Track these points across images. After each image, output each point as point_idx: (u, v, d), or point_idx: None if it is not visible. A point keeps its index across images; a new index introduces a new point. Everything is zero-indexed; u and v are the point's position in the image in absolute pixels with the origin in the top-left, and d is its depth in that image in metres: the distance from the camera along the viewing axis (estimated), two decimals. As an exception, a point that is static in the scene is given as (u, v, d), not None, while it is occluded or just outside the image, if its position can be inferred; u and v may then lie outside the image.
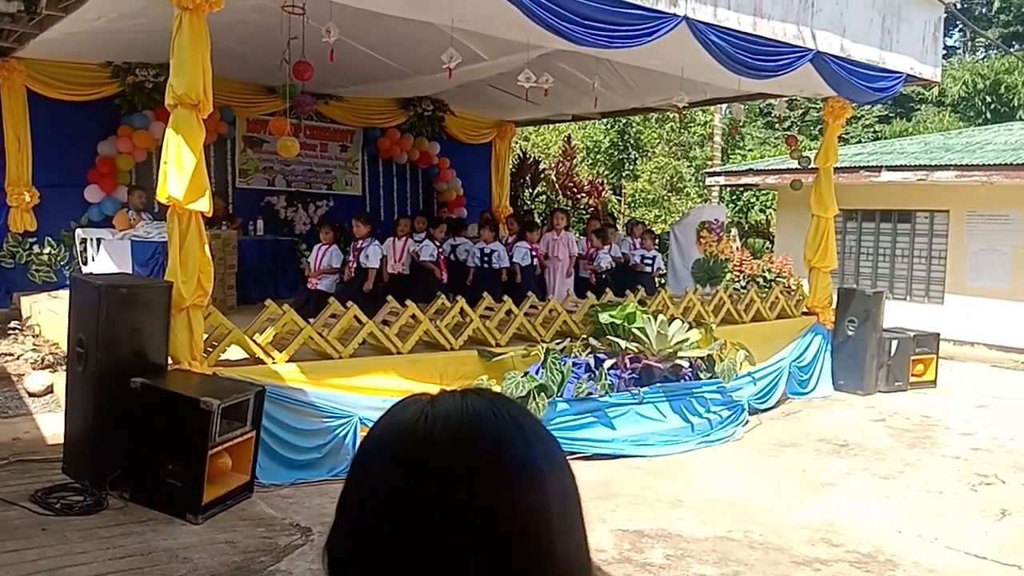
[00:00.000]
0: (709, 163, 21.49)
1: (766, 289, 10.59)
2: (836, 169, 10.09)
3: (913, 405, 8.77)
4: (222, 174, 11.10)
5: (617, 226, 12.84)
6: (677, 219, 15.86)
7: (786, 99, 10.39)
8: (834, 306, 9.73)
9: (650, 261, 10.74)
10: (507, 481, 0.67)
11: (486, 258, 9.29)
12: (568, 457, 0.75)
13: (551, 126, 20.76)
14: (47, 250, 9.53)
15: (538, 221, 11.68)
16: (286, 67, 7.09)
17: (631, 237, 11.21)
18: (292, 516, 4.90)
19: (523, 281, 9.23)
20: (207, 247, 5.56)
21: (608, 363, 6.95)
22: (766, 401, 8.33)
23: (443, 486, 0.66)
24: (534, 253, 9.60)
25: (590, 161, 23.42)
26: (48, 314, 8.14)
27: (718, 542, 4.81)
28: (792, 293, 9.95)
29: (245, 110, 10.95)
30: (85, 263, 8.83)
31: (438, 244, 9.51)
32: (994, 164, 11.96)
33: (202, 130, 5.43)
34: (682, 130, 23.72)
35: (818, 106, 11.34)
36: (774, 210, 18.83)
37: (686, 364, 7.39)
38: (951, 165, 12.40)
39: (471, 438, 0.68)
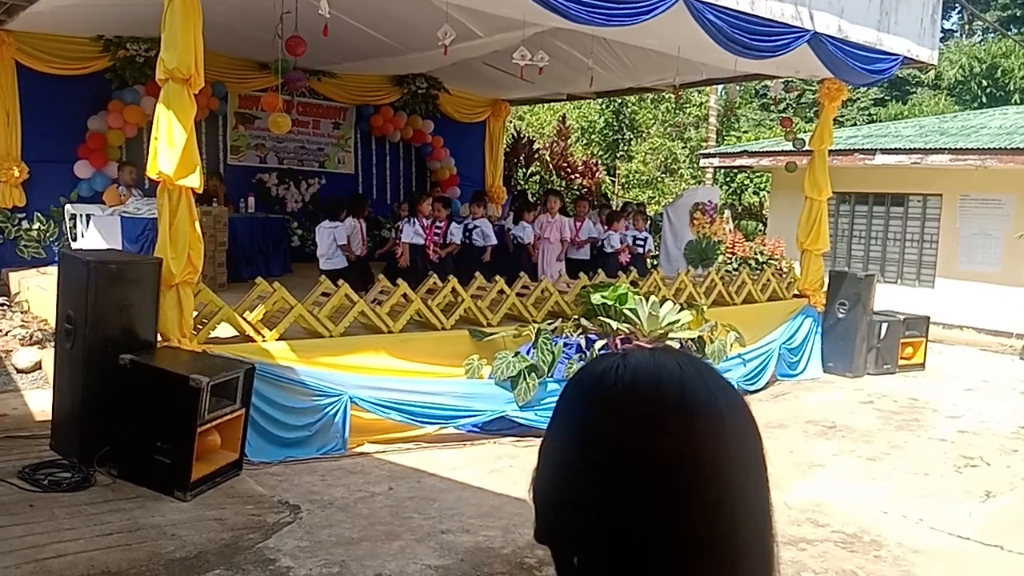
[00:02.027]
0: (704, 144, 21.44)
1: (758, 271, 10.61)
2: (830, 152, 10.08)
3: (901, 388, 8.82)
4: (213, 150, 11.02)
5: (612, 206, 12.75)
6: (671, 200, 15.84)
7: (782, 80, 10.34)
8: (825, 289, 9.76)
9: (642, 242, 10.72)
10: (689, 421, 0.73)
11: (467, 234, 9.22)
12: None
13: (546, 105, 20.68)
14: (36, 226, 9.47)
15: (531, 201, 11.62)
16: (279, 42, 7.02)
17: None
18: (281, 494, 4.92)
19: (515, 259, 9.21)
20: (197, 224, 5.53)
21: (599, 343, 6.96)
22: (755, 383, 8.37)
23: (632, 424, 0.73)
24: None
25: (585, 141, 23.34)
26: (37, 290, 8.09)
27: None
28: (784, 275, 9.97)
29: (237, 86, 10.85)
30: (74, 239, 8.77)
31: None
32: (988, 148, 11.96)
33: (193, 105, 5.39)
34: (677, 111, 23.64)
35: (814, 88, 11.31)
36: (767, 192, 18.84)
37: (677, 345, 7.40)
38: (945, 149, 12.40)
39: (657, 383, 0.75)
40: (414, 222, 8.56)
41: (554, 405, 0.81)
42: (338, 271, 7.90)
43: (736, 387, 0.80)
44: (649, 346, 0.77)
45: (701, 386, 0.75)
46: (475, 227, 9.23)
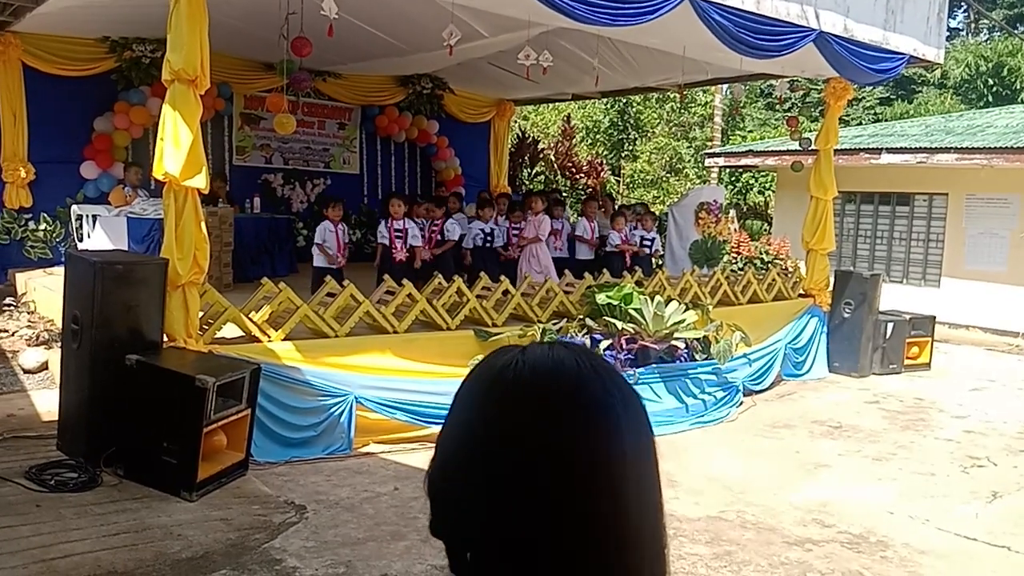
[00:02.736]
0: (709, 144, 21.40)
1: (763, 271, 10.59)
2: (836, 151, 10.06)
3: (907, 388, 8.80)
4: (219, 151, 11.05)
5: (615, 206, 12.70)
6: (676, 200, 15.82)
7: (787, 80, 10.33)
8: (831, 288, 9.74)
9: (649, 243, 10.71)
10: (584, 419, 0.74)
11: (488, 237, 9.24)
12: None
13: (551, 105, 20.68)
14: (43, 226, 9.50)
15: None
16: (284, 43, 7.03)
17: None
18: (287, 494, 4.92)
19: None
20: (203, 224, 5.54)
21: (604, 344, 6.95)
22: (761, 383, 8.36)
23: (528, 420, 0.74)
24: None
25: (589, 141, 23.33)
26: (43, 291, 8.12)
27: (711, 522, 4.84)
28: (789, 275, 9.94)
29: (243, 87, 10.87)
30: (81, 240, 8.80)
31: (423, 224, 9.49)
32: (994, 147, 11.92)
33: (199, 106, 5.39)
34: (682, 110, 23.61)
35: (819, 87, 11.29)
36: (773, 192, 18.79)
37: (682, 345, 7.39)
38: (951, 148, 12.36)
39: (554, 380, 0.75)
40: (383, 223, 8.46)
41: (453, 397, 0.80)
42: (324, 269, 7.93)
43: (630, 385, 0.79)
44: (549, 342, 0.78)
45: (597, 383, 0.76)
46: (492, 230, 9.26)
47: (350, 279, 6.43)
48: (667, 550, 0.79)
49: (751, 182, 21.81)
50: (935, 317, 9.97)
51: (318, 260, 8.32)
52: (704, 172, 21.53)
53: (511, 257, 9.36)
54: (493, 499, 0.73)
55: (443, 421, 0.80)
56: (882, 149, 13.07)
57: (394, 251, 8.29)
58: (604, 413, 0.75)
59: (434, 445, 0.80)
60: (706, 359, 7.53)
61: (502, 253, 9.41)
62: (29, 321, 7.85)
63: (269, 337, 5.79)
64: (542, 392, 0.75)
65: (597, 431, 0.74)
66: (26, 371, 6.82)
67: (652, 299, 7.41)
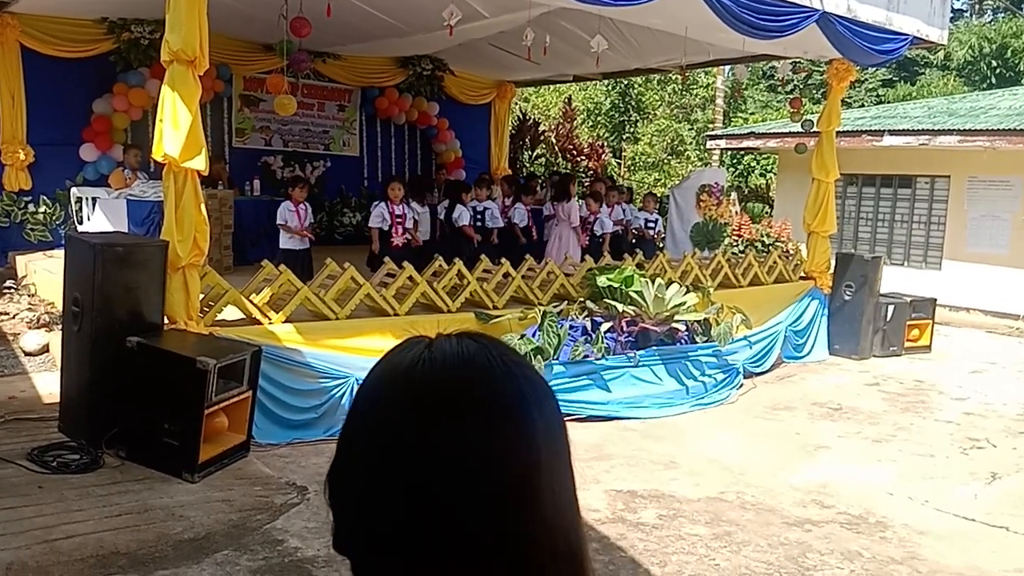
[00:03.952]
0: (710, 126, 21.32)
1: (764, 253, 10.58)
2: (838, 133, 10.01)
3: (907, 370, 8.81)
4: (218, 133, 11.00)
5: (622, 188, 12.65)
6: (677, 182, 15.78)
7: (790, 61, 10.26)
8: (832, 271, 9.73)
9: (652, 224, 10.70)
10: (496, 423, 0.69)
11: (478, 216, 9.23)
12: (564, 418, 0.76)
13: (551, 87, 20.57)
14: (42, 209, 9.48)
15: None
16: (284, 23, 6.99)
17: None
18: (288, 475, 4.94)
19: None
20: (203, 206, 5.53)
21: (605, 326, 6.96)
22: (761, 365, 8.37)
23: (434, 426, 0.68)
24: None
25: (590, 123, 23.24)
26: (44, 273, 8.11)
27: (711, 503, 4.86)
28: (790, 257, 9.93)
29: (242, 68, 10.81)
30: (81, 222, 8.79)
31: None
32: (997, 129, 11.87)
33: (198, 87, 5.36)
34: (684, 92, 23.50)
35: (821, 69, 11.22)
36: (774, 174, 18.74)
37: (682, 327, 7.40)
38: (954, 130, 12.31)
39: (464, 378, 0.70)
40: (382, 206, 8.38)
41: (355, 393, 0.75)
42: (287, 251, 7.93)
43: (541, 378, 0.75)
44: (456, 333, 0.75)
45: (511, 383, 0.71)
46: (486, 209, 9.25)
47: (350, 262, 6.42)
48: (586, 552, 0.75)
49: (752, 164, 21.73)
50: (936, 300, 9.96)
51: (284, 242, 8.19)
52: (706, 154, 21.46)
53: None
54: (399, 506, 0.68)
55: (344, 420, 0.75)
56: (884, 131, 13.02)
57: (393, 236, 8.25)
58: (517, 415, 0.70)
59: (336, 447, 0.74)
60: (707, 341, 7.54)
61: (519, 236, 9.48)
62: (30, 304, 7.86)
63: (270, 319, 5.79)
64: (451, 393, 0.70)
65: (510, 434, 0.70)
66: (27, 353, 6.83)
67: (653, 281, 7.41)
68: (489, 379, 0.71)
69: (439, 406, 0.69)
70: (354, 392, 4.60)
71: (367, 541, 0.70)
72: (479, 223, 9.19)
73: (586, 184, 12.09)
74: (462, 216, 9.05)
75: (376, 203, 8.53)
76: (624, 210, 10.66)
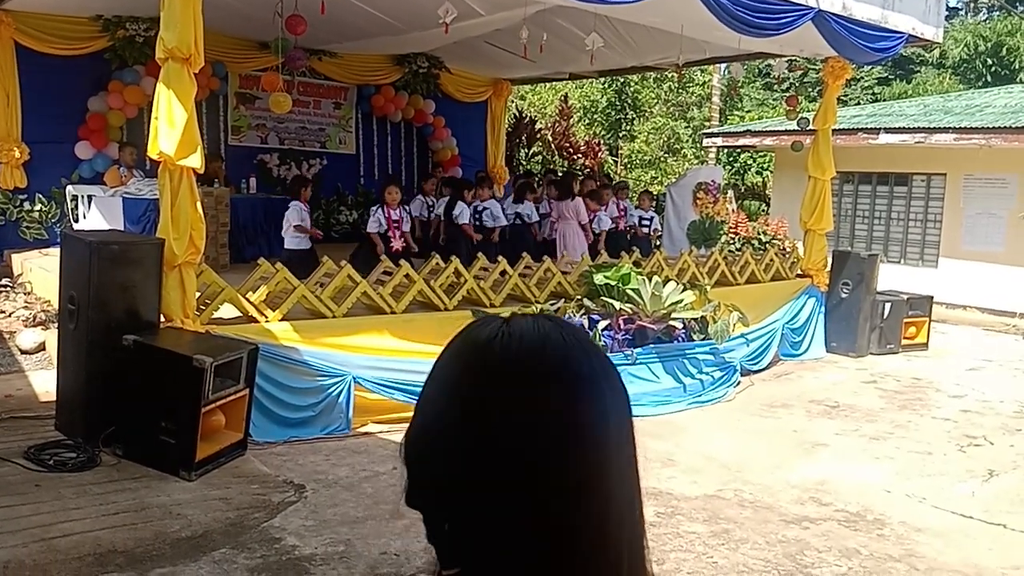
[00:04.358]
0: (707, 124, 21.33)
1: (761, 251, 10.58)
2: (834, 131, 10.02)
3: (904, 367, 8.82)
4: (214, 131, 10.96)
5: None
6: (674, 180, 15.78)
7: (786, 59, 10.26)
8: (828, 269, 9.73)
9: (647, 222, 10.69)
10: (571, 391, 0.74)
11: (477, 216, 9.22)
12: None
13: (548, 85, 20.53)
14: (38, 207, 9.44)
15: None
16: (279, 21, 6.97)
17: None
18: (286, 473, 4.93)
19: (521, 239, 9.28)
20: (199, 204, 5.51)
21: (602, 324, 6.95)
22: (758, 362, 8.37)
23: (515, 392, 0.73)
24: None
25: (587, 121, 23.22)
26: (39, 271, 8.09)
27: (708, 500, 4.86)
28: (787, 255, 9.94)
29: (237, 65, 10.77)
30: (76, 220, 8.76)
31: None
32: (993, 127, 11.89)
33: (193, 85, 5.35)
34: (680, 90, 23.49)
35: (817, 67, 11.23)
36: (771, 172, 18.76)
37: (680, 325, 7.40)
38: (950, 128, 12.34)
39: (541, 353, 0.75)
40: (378, 211, 8.32)
41: (432, 366, 0.79)
42: (297, 251, 7.89)
43: (609, 358, 0.80)
44: (532, 314, 0.81)
45: (582, 357, 0.76)
46: (485, 208, 9.23)
47: (346, 261, 6.41)
48: (644, 517, 0.79)
49: (749, 162, 21.75)
50: (932, 297, 9.98)
51: (295, 243, 8.13)
52: (702, 152, 21.47)
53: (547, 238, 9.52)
54: (475, 471, 0.73)
55: (422, 388, 0.80)
56: (880, 129, 13.04)
57: (392, 240, 8.19)
58: (590, 388, 0.75)
59: (413, 414, 0.79)
60: (704, 339, 7.54)
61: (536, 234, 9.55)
62: (26, 302, 7.83)
63: (266, 317, 5.78)
64: (530, 365, 0.74)
65: (583, 405, 0.74)
66: (23, 352, 6.81)
67: (650, 279, 7.41)
68: (564, 355, 0.75)
69: (517, 377, 0.74)
70: (351, 392, 4.59)
71: (439, 498, 0.75)
72: (477, 222, 9.18)
73: (580, 182, 12.04)
74: (463, 214, 9.04)
75: (375, 208, 8.47)
76: (618, 204, 10.66)
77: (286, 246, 8.18)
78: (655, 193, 13.05)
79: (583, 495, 0.73)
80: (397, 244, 8.19)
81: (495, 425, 0.73)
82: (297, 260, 7.22)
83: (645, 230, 10.50)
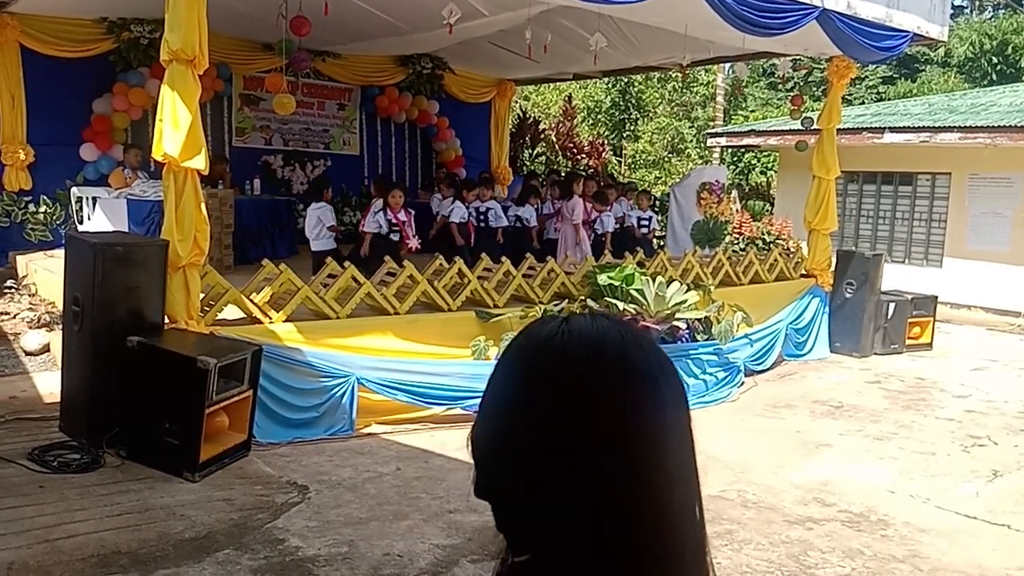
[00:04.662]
0: (711, 124, 21.31)
1: (765, 251, 10.57)
2: (839, 130, 10.00)
3: (909, 368, 8.80)
4: (219, 133, 11.00)
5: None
6: (678, 180, 15.77)
7: (790, 59, 10.25)
8: (832, 268, 9.72)
9: (646, 222, 10.68)
10: (629, 385, 0.77)
11: (481, 216, 9.21)
12: None
13: (552, 85, 20.55)
14: (43, 209, 9.47)
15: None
16: (283, 22, 6.99)
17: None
18: (289, 474, 4.94)
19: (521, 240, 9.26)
20: (203, 206, 5.52)
21: (606, 324, 6.94)
22: (762, 363, 8.36)
23: (574, 388, 0.77)
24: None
25: (591, 121, 23.23)
26: (44, 273, 8.11)
27: (712, 501, 4.85)
28: (791, 255, 9.92)
29: (242, 67, 10.80)
30: (81, 222, 8.79)
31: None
32: (998, 126, 11.85)
33: (198, 87, 5.36)
34: (684, 90, 23.48)
35: (822, 66, 11.21)
36: (775, 172, 18.72)
37: (683, 326, 7.39)
38: (955, 127, 12.30)
39: (600, 350, 0.78)
40: (379, 211, 8.31)
41: (495, 363, 0.83)
42: (327, 252, 7.92)
43: (667, 355, 0.83)
44: (591, 312, 0.85)
45: (640, 353, 0.79)
46: (489, 209, 9.23)
47: (349, 263, 6.42)
48: (702, 512, 0.83)
49: (753, 162, 21.72)
50: (937, 297, 9.95)
51: (325, 244, 8.24)
52: (706, 152, 21.45)
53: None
54: (541, 464, 0.76)
55: (486, 385, 0.83)
56: (885, 128, 13.00)
57: (407, 240, 8.22)
58: (649, 383, 0.78)
59: (478, 409, 0.83)
60: (708, 339, 7.53)
61: (533, 239, 9.52)
62: (30, 303, 7.86)
63: (270, 318, 5.79)
64: (590, 363, 0.77)
65: (642, 401, 0.77)
66: (28, 353, 6.83)
67: (654, 280, 7.40)
68: (622, 351, 0.78)
69: (577, 373, 0.77)
70: (355, 392, 4.61)
71: (506, 489, 0.79)
72: (482, 223, 9.17)
73: (583, 182, 12.03)
74: (453, 213, 9.03)
75: (376, 210, 8.44)
76: (622, 205, 10.65)
77: (315, 249, 8.25)
78: (657, 194, 13.03)
79: (645, 487, 0.76)
80: (414, 244, 8.20)
81: (557, 420, 0.76)
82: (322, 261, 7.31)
83: (644, 231, 10.47)
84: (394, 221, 8.17)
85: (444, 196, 9.54)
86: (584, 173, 15.09)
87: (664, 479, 0.77)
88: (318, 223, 8.33)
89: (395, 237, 8.16)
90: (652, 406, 0.78)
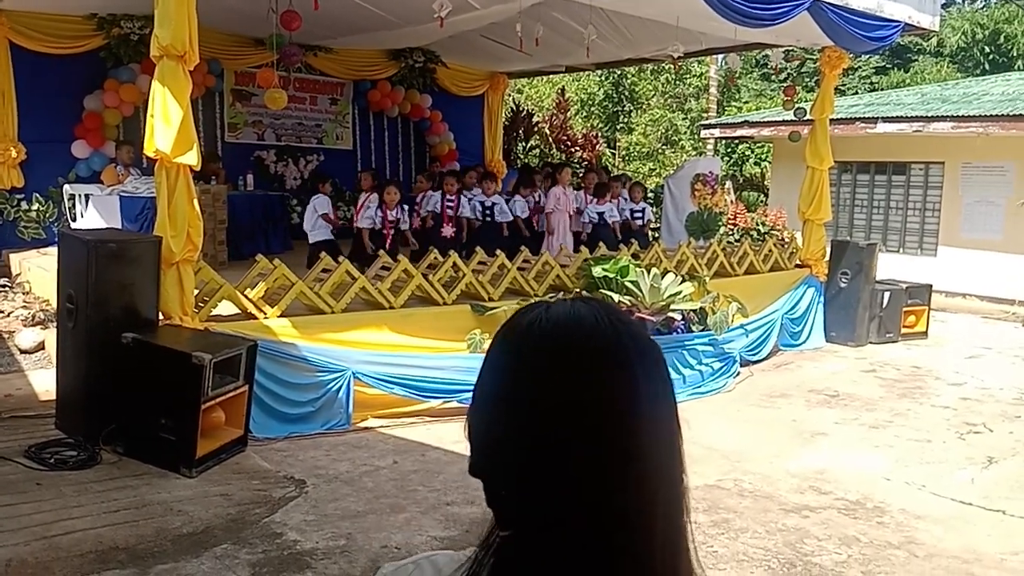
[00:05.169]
0: (704, 115, 21.29)
1: (760, 242, 10.58)
2: (832, 121, 10.01)
3: (904, 356, 8.83)
4: (211, 128, 10.95)
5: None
6: (672, 172, 15.77)
7: (783, 50, 10.25)
8: (827, 258, 9.73)
9: (639, 214, 10.67)
10: (602, 368, 0.79)
11: (488, 211, 9.17)
12: None
13: (545, 78, 20.51)
14: (35, 206, 9.42)
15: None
16: (273, 17, 6.96)
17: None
18: (286, 469, 4.94)
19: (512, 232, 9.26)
20: (196, 201, 5.51)
21: (601, 316, 6.94)
22: (758, 353, 8.38)
23: (550, 368, 0.80)
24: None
25: (584, 114, 23.19)
26: (38, 271, 8.09)
27: (708, 490, 4.87)
28: (785, 246, 9.94)
29: (233, 62, 10.75)
30: (74, 219, 8.76)
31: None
32: (991, 115, 11.88)
33: (188, 82, 5.34)
34: (677, 82, 23.47)
35: (815, 57, 11.21)
36: (769, 163, 18.74)
37: (679, 317, 7.40)
38: (947, 116, 12.32)
39: (572, 334, 0.81)
40: (372, 206, 8.30)
41: (487, 349, 0.86)
42: (321, 243, 7.95)
43: (649, 337, 0.85)
44: (572, 298, 0.88)
45: (612, 334, 0.81)
46: (494, 204, 9.17)
47: (344, 257, 6.41)
48: (686, 492, 0.84)
49: (747, 153, 21.73)
50: (931, 286, 9.98)
51: (321, 235, 8.28)
52: (700, 144, 21.45)
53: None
54: (524, 442, 0.79)
55: (480, 369, 0.86)
56: (878, 118, 13.02)
57: (387, 239, 8.19)
58: (619, 361, 0.80)
59: (471, 393, 0.87)
60: (703, 330, 7.55)
61: (522, 229, 9.45)
62: (24, 301, 7.83)
63: (265, 314, 5.79)
64: (560, 343, 0.80)
65: (613, 377, 0.79)
66: (23, 351, 6.81)
67: (648, 271, 7.41)
68: (594, 334, 0.81)
69: (550, 356, 0.80)
70: (350, 387, 4.62)
71: (492, 468, 0.82)
72: (488, 217, 9.10)
73: (582, 176, 12.03)
74: (429, 201, 8.95)
75: (368, 204, 8.41)
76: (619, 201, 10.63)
77: (312, 240, 8.32)
78: (651, 185, 13.02)
79: (616, 470, 0.78)
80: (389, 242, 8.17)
81: (534, 402, 0.79)
82: (329, 251, 7.29)
83: (638, 223, 10.45)
84: (387, 219, 8.18)
85: (423, 190, 9.36)
86: (576, 165, 15.10)
87: (638, 463, 0.79)
88: (313, 213, 8.34)
89: (383, 230, 8.20)
90: (625, 390, 0.79)
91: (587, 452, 0.77)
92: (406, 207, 8.62)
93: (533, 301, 0.89)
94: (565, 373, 0.79)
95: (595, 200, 9.93)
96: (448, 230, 8.67)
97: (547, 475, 0.78)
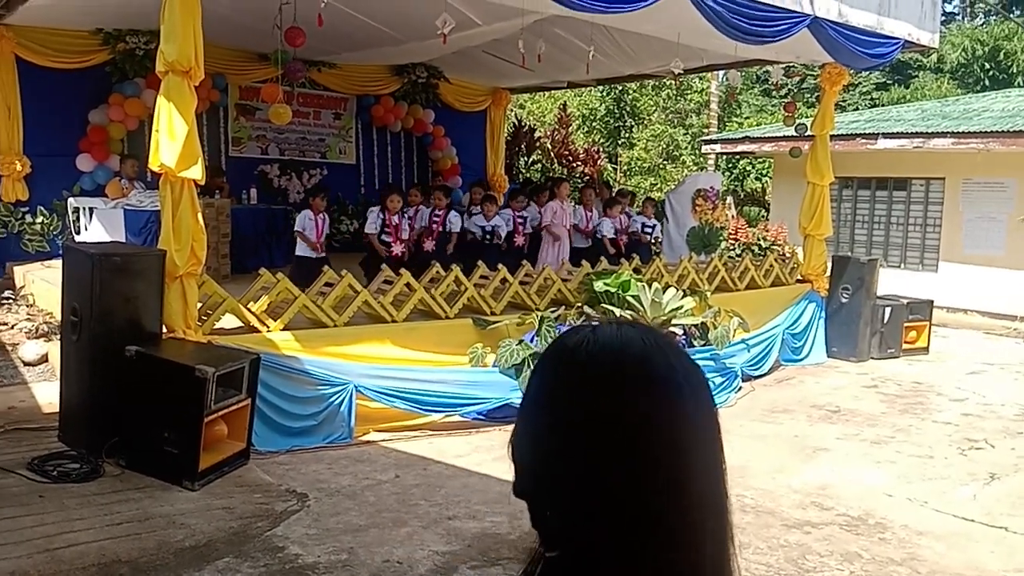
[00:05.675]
0: (705, 131, 21.38)
1: (761, 257, 10.60)
2: (832, 136, 10.05)
3: (905, 372, 8.83)
4: (215, 142, 11.01)
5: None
6: (673, 187, 15.81)
7: (783, 66, 10.31)
8: (828, 274, 9.75)
9: (649, 230, 10.71)
10: (648, 390, 0.80)
11: (487, 233, 9.11)
12: None
13: (547, 94, 20.61)
14: (40, 219, 9.47)
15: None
16: (278, 33, 7.02)
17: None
18: (289, 482, 4.94)
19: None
20: (200, 215, 5.54)
21: (603, 331, 6.95)
22: (759, 368, 8.38)
23: (597, 393, 0.80)
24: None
25: (586, 129, 23.29)
26: (42, 283, 8.11)
27: (710, 506, 4.86)
28: (787, 261, 9.96)
29: (237, 77, 10.83)
30: (78, 232, 8.79)
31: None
32: (991, 131, 11.93)
33: (194, 97, 5.39)
34: (678, 97, 23.58)
35: (815, 73, 11.28)
36: (770, 178, 18.79)
37: (680, 331, 7.42)
38: (948, 132, 12.37)
39: (621, 359, 0.82)
40: (378, 214, 8.38)
41: (531, 371, 0.87)
42: (299, 258, 8.11)
43: (694, 362, 0.86)
44: (618, 321, 0.90)
45: (661, 359, 0.82)
46: (495, 227, 9.09)
47: (347, 271, 6.43)
48: (730, 510, 0.85)
49: (748, 168, 21.81)
50: (933, 301, 9.98)
51: (300, 249, 8.35)
52: (701, 159, 21.52)
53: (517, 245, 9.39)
54: (569, 465, 0.80)
55: (524, 391, 0.88)
56: (878, 134, 13.07)
57: (393, 246, 8.23)
58: (667, 385, 0.81)
59: (517, 415, 0.88)
60: (704, 345, 7.55)
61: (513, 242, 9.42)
62: (28, 314, 7.85)
63: (268, 327, 5.80)
64: (612, 368, 0.81)
65: (662, 402, 0.80)
66: (26, 364, 6.83)
67: (650, 286, 7.43)
68: (643, 358, 0.82)
69: (599, 380, 0.81)
70: (353, 400, 4.64)
71: (538, 490, 0.83)
72: (488, 240, 9.06)
73: (582, 189, 12.06)
74: (423, 217, 8.99)
75: (371, 209, 8.53)
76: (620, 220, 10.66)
77: (296, 252, 8.37)
78: (657, 200, 13.05)
79: (664, 492, 0.79)
80: (398, 249, 8.22)
81: (582, 425, 0.80)
82: (304, 268, 7.33)
83: (647, 237, 10.50)
84: (389, 224, 8.22)
85: (416, 204, 9.28)
86: (577, 180, 15.15)
87: (685, 485, 0.80)
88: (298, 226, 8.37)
89: (387, 239, 8.23)
90: (672, 412, 0.80)
91: (636, 475, 0.78)
92: (408, 216, 8.66)
93: (577, 324, 0.92)
94: (614, 398, 0.80)
95: (601, 214, 9.99)
96: (429, 244, 8.68)
97: (596, 498, 0.79)
